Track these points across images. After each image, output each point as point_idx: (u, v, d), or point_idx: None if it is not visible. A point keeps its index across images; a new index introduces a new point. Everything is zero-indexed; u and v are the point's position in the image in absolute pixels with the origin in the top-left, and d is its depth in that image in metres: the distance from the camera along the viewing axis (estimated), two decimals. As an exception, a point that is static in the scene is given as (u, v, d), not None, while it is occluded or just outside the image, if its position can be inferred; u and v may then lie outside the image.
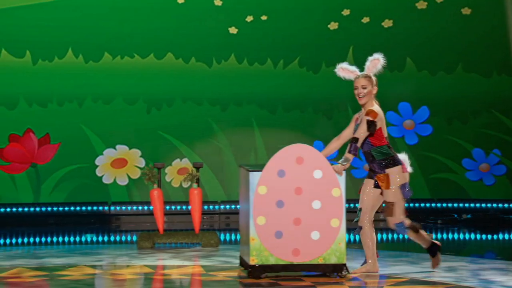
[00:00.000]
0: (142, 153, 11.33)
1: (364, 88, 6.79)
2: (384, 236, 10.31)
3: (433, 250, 6.98)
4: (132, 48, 11.25)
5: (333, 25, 11.58)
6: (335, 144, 6.90)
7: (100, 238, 9.99)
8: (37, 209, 11.12)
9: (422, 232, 6.95)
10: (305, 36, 11.54)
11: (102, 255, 8.31)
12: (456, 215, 11.64)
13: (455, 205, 11.74)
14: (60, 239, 9.84)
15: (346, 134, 6.90)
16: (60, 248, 9.02)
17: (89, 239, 9.90)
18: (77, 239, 9.90)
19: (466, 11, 11.71)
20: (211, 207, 11.34)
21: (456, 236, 10.32)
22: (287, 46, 11.53)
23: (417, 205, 11.76)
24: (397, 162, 6.86)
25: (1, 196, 11.08)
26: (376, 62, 6.84)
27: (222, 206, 11.41)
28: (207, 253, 8.38)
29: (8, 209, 11.05)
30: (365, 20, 11.61)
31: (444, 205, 11.76)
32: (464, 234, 10.49)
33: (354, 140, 6.73)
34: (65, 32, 11.06)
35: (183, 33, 11.34)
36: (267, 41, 11.51)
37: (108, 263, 7.79)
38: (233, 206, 11.37)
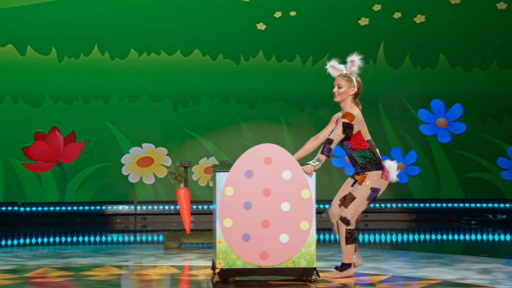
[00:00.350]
0: (169, 151, 11.36)
1: (340, 87, 6.78)
2: (417, 237, 10.25)
3: (344, 268, 6.89)
4: (159, 44, 11.28)
5: (364, 21, 11.52)
6: (312, 144, 6.81)
7: (126, 238, 10.04)
8: (63, 208, 11.20)
9: (353, 247, 6.83)
10: (335, 32, 11.50)
11: (128, 255, 8.35)
12: (490, 216, 11.54)
13: (490, 205, 11.64)
14: (86, 238, 9.90)
15: (324, 134, 6.81)
16: (86, 248, 9.07)
17: (115, 239, 9.95)
18: (103, 239, 9.96)
19: (501, 5, 11.60)
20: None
21: (490, 237, 10.23)
22: (316, 42, 11.50)
23: (450, 205, 11.67)
24: (378, 167, 6.79)
25: (27, 195, 11.17)
26: (352, 63, 6.77)
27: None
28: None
29: (34, 208, 11.14)
30: (397, 15, 11.54)
31: (478, 205, 11.65)
32: (499, 235, 10.40)
33: (328, 141, 6.66)
34: (91, 29, 11.13)
35: (211, 30, 11.35)
36: (296, 37, 11.49)
37: (134, 264, 7.82)
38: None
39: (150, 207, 11.33)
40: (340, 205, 6.81)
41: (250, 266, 6.55)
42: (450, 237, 10.21)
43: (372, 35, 11.51)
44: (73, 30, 11.10)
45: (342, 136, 6.66)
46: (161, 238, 9.93)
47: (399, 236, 10.30)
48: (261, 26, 11.45)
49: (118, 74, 11.22)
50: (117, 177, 11.26)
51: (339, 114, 6.88)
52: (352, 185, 6.86)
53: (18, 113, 11.07)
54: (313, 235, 6.65)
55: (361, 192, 6.74)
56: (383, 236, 10.21)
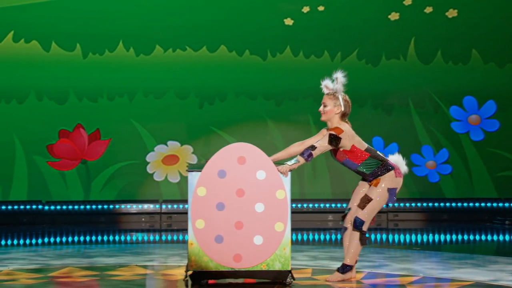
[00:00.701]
0: (194, 149, 11.38)
1: (325, 106, 6.76)
2: (448, 237, 10.18)
3: (347, 270, 6.86)
4: (184, 40, 11.31)
5: (394, 16, 11.46)
6: (296, 149, 6.79)
7: (151, 237, 10.07)
8: (87, 207, 11.26)
9: (360, 249, 6.83)
10: (364, 27, 11.45)
11: (153, 255, 8.37)
12: (524, 216, 11.45)
13: (524, 205, 11.54)
14: (111, 238, 9.94)
15: (310, 142, 6.81)
16: (110, 247, 9.11)
17: (140, 238, 9.99)
18: (128, 238, 10.00)
19: (536, -1, 11.50)
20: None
21: (524, 238, 10.15)
22: (345, 38, 11.46)
23: (482, 204, 11.58)
24: (389, 168, 6.80)
25: (51, 194, 11.25)
26: (336, 80, 6.80)
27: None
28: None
29: (58, 207, 11.22)
30: (428, 10, 11.47)
31: (512, 205, 11.57)
32: (534, 236, 10.31)
33: (312, 147, 6.64)
34: (116, 25, 11.18)
35: (237, 25, 11.35)
36: (324, 32, 11.45)
37: (159, 263, 7.84)
38: (293, 205, 11.35)
39: (175, 205, 11.36)
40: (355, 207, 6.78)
41: (223, 269, 6.46)
42: (483, 237, 10.13)
43: (403, 30, 11.45)
44: (98, 26, 11.16)
45: (328, 146, 6.64)
46: (186, 237, 9.95)
47: (430, 236, 10.24)
48: (288, 22, 11.43)
49: (143, 71, 11.25)
50: (142, 176, 11.30)
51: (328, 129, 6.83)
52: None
53: (42, 110, 11.15)
54: (288, 237, 6.57)
55: (377, 194, 6.70)
56: (413, 236, 10.15)
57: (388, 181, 6.72)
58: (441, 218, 11.51)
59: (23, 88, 11.12)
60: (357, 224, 6.71)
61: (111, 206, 11.27)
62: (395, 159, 6.91)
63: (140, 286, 6.69)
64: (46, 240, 9.84)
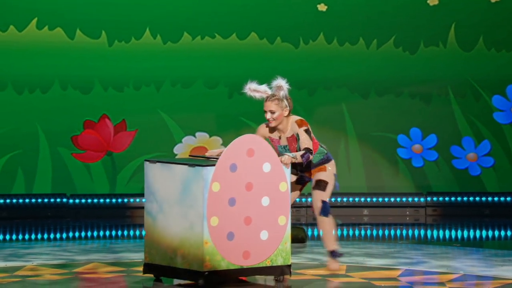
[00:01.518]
0: (223, 141, 11.39)
1: (273, 113, 6.90)
2: (490, 233, 10.11)
3: (337, 255, 7.01)
4: (213, 27, 11.30)
5: (433, 0, 11.37)
6: None
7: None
8: (113, 200, 11.32)
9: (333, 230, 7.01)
10: (402, 13, 11.36)
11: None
12: None
13: None
14: (137, 232, 9.99)
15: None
16: (137, 242, 9.16)
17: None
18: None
19: None
20: (297, 199, 11.31)
21: None
22: (381, 24, 11.39)
23: (525, 199, 11.49)
24: (330, 157, 7.07)
25: (76, 187, 11.32)
26: (279, 88, 7.00)
27: (309, 199, 11.38)
28: (294, 249, 8.36)
29: (83, 200, 11.28)
30: (470, -6, 11.37)
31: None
32: None
33: (310, 151, 6.76)
34: (142, 11, 11.19)
35: (268, 11, 11.32)
36: (359, 19, 11.39)
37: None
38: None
39: (204, 199, 11.36)
40: (314, 191, 6.98)
41: (233, 267, 6.41)
42: (527, 233, 10.06)
43: (443, 16, 11.34)
44: (123, 12, 11.18)
45: (311, 142, 6.80)
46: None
47: (471, 232, 10.17)
48: (322, 7, 11.37)
49: (170, 59, 11.27)
50: (169, 168, 11.32)
51: (275, 134, 6.90)
52: (301, 183, 7.06)
53: (66, 100, 11.21)
54: (288, 231, 6.56)
55: (328, 176, 6.93)
56: (453, 232, 10.09)
57: (333, 166, 6.97)
58: (483, 213, 11.42)
59: (46, 77, 11.18)
60: (326, 210, 6.87)
61: (137, 200, 11.32)
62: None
63: (167, 282, 6.70)
64: (70, 234, 9.91)
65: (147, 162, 6.73)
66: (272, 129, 6.97)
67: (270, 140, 6.95)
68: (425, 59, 11.41)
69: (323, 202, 6.85)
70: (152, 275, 6.81)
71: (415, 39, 11.44)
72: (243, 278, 6.62)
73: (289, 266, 6.62)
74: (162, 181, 6.60)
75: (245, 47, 11.33)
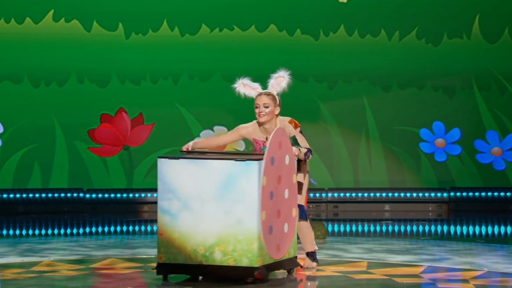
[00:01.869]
0: (242, 135, 11.36)
1: (266, 107, 6.89)
2: (509, 229, 10.05)
3: (314, 256, 7.06)
4: (232, 19, 11.28)
5: (457, -9, 11.32)
6: (217, 142, 7.13)
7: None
8: (130, 195, 11.34)
9: (312, 233, 7.07)
10: (424, 3, 11.31)
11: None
12: None
13: None
14: (155, 228, 10.00)
15: (227, 139, 7.13)
16: (154, 237, 9.16)
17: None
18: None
19: None
20: (317, 194, 11.30)
21: None
22: (403, 16, 11.34)
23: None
24: (308, 155, 7.07)
25: (93, 181, 11.35)
26: (280, 79, 7.04)
27: (329, 194, 11.35)
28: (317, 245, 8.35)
29: (100, 195, 11.31)
30: (494, -16, 11.30)
31: None
32: None
33: (310, 151, 6.86)
34: (159, 3, 11.19)
35: (288, 3, 11.29)
36: (381, 10, 11.34)
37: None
38: (342, 194, 11.30)
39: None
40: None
41: (270, 261, 6.45)
42: (553, 230, 9.99)
43: (467, 7, 11.28)
44: (141, 4, 11.19)
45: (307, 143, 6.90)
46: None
47: (495, 228, 10.12)
48: (342, -2, 11.33)
49: (188, 52, 11.26)
50: (187, 162, 11.32)
51: (260, 136, 6.89)
52: None
53: (83, 94, 11.23)
54: (296, 223, 6.71)
55: (302, 176, 6.92)
56: (477, 228, 10.04)
57: (306, 164, 6.95)
58: (508, 209, 11.36)
59: (63, 70, 11.21)
60: (303, 214, 6.89)
61: (154, 195, 11.33)
62: None
63: (184, 279, 6.70)
64: (87, 229, 9.94)
65: (163, 159, 6.69)
66: (257, 131, 6.90)
67: (254, 142, 6.93)
68: (449, 51, 11.34)
69: (300, 206, 6.84)
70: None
71: (438, 31, 11.38)
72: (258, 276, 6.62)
73: (296, 257, 6.74)
74: (188, 178, 6.51)
75: (264, 39, 11.31)
